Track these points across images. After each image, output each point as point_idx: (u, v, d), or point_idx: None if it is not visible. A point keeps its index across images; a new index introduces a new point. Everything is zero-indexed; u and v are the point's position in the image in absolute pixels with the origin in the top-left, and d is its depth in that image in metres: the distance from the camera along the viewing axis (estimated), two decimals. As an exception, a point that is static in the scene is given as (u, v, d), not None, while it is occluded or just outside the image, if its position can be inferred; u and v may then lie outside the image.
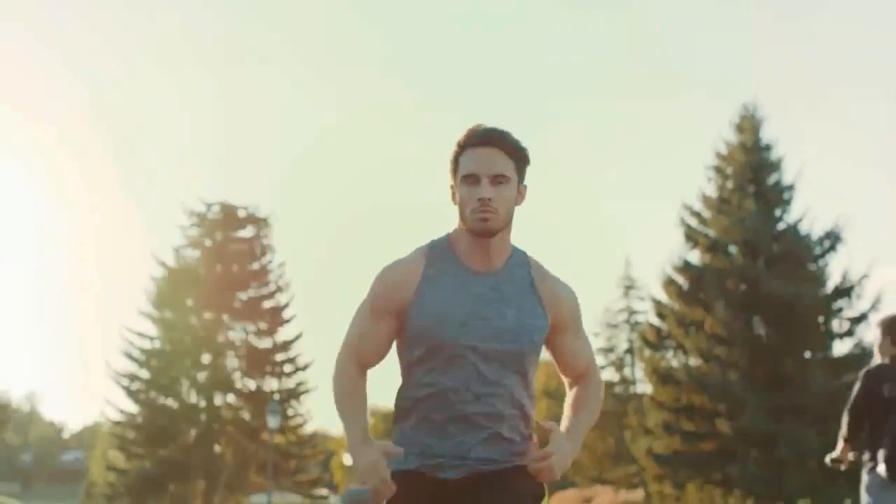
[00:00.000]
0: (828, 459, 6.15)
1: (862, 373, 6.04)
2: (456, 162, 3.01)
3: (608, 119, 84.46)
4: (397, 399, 3.08)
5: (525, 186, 3.06)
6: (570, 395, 3.18)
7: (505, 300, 2.98)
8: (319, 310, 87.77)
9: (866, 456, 5.92)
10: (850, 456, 6.03)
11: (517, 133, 3.01)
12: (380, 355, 3.08)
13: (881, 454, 5.80)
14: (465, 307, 2.96)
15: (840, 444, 6.10)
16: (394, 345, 3.09)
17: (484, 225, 2.93)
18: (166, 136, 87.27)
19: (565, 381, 3.19)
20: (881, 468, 5.79)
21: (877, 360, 6.17)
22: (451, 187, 3.04)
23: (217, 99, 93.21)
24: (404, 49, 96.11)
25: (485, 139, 2.97)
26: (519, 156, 3.00)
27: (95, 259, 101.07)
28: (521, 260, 3.07)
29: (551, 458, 2.90)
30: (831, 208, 59.19)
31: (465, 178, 2.96)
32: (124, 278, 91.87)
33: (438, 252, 3.04)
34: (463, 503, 2.97)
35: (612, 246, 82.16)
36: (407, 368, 3.04)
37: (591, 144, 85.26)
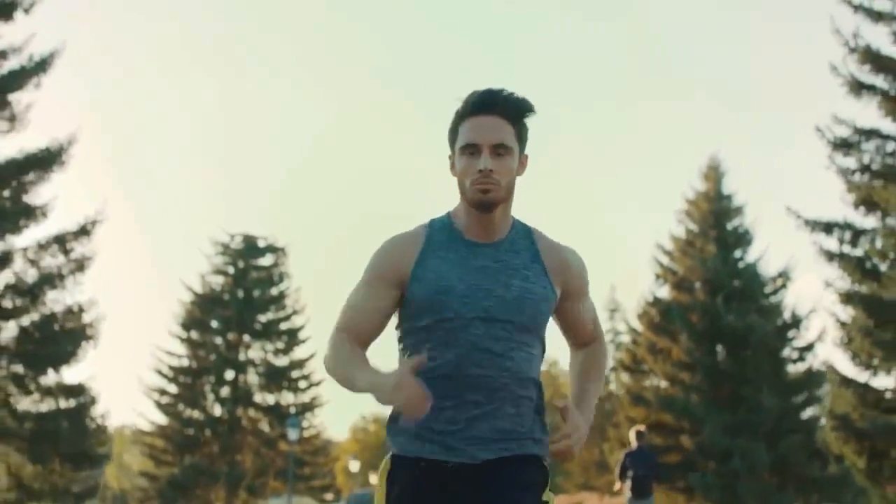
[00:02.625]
0: (614, 488, 13.26)
1: (624, 452, 12.78)
2: (455, 131, 2.99)
3: (608, 123, 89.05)
4: None
5: (526, 156, 3.04)
6: (575, 361, 3.24)
7: (509, 270, 2.97)
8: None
9: (627, 486, 12.56)
10: (623, 489, 12.64)
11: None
12: (375, 328, 3.02)
13: (629, 485, 13.28)
14: (467, 279, 2.94)
15: (617, 483, 12.71)
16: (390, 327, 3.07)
17: (485, 196, 2.92)
18: (166, 139, 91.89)
19: (569, 344, 3.25)
20: (629, 494, 13.29)
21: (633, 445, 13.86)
22: (450, 157, 3.02)
23: (217, 101, 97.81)
24: (404, 54, 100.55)
25: (486, 107, 2.94)
26: (520, 121, 2.98)
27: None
28: (523, 230, 3.06)
29: (571, 438, 2.91)
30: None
31: (464, 149, 2.94)
32: (120, 282, 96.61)
33: (439, 226, 3.04)
34: (468, 488, 2.92)
35: (611, 250, 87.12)
36: (405, 346, 3.03)
37: (591, 149, 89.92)
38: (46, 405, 21.41)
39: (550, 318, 3.09)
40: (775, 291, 34.51)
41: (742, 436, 32.29)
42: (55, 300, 21.14)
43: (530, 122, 3.03)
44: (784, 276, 34.28)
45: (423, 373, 2.87)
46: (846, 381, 20.49)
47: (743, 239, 34.90)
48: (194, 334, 41.47)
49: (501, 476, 2.94)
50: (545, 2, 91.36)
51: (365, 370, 2.86)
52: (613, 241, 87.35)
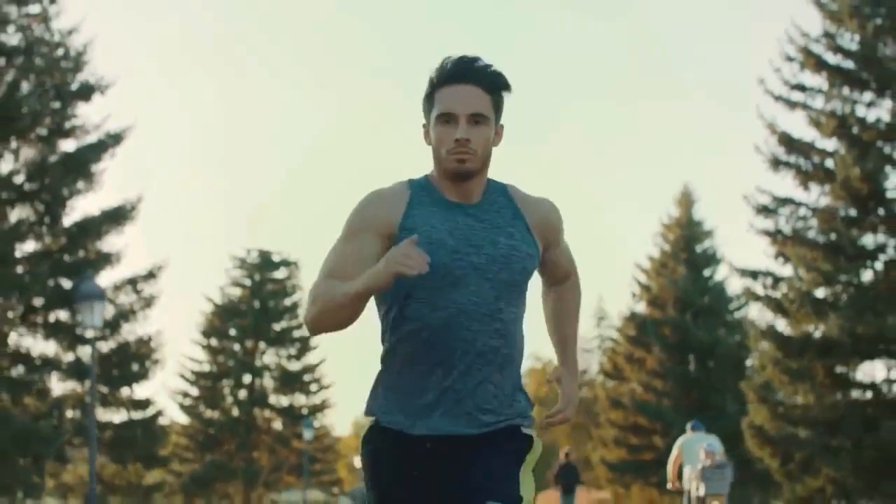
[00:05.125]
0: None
1: (557, 465, 19.20)
2: (430, 100, 3.05)
3: (607, 122, 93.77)
4: (382, 345, 3.11)
5: (502, 126, 3.11)
6: (548, 301, 3.34)
7: (494, 229, 3.04)
8: (341, 338, 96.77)
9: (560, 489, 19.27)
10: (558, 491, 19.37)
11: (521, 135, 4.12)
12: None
13: (561, 487, 20.27)
14: (456, 234, 3.01)
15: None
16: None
17: (461, 167, 2.99)
18: (165, 138, 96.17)
19: (543, 283, 3.31)
20: (560, 493, 20.08)
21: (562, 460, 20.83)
22: (424, 126, 3.09)
23: (217, 101, 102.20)
24: (403, 52, 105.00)
25: (462, 75, 3.02)
26: (496, 90, 3.05)
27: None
28: (498, 188, 3.13)
29: (566, 411, 3.19)
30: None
31: (440, 118, 3.00)
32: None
33: (418, 186, 3.10)
34: (446, 461, 3.02)
35: (611, 248, 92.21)
36: (389, 305, 3.06)
37: (591, 147, 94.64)
38: (122, 416, 27.78)
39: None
40: (739, 308, 40.58)
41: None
42: (129, 331, 27.47)
43: (509, 96, 3.09)
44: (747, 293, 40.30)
45: (407, 337, 3.01)
46: (762, 399, 26.65)
47: (711, 260, 40.98)
48: (214, 342, 47.16)
49: (483, 451, 3.01)
50: (545, 1, 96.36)
51: (352, 280, 2.93)
52: (613, 240, 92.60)
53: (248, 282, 48.19)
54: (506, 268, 3.01)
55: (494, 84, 3.05)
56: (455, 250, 2.99)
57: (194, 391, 46.71)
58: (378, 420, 3.07)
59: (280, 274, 48.63)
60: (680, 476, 16.06)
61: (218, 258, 77.69)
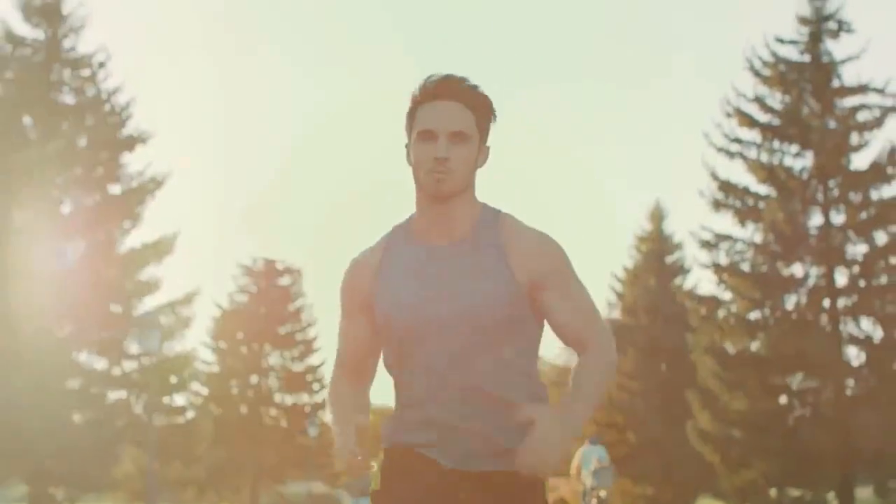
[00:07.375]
0: None
1: None
2: (412, 117, 3.08)
3: (598, 102, 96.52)
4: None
5: (488, 147, 3.10)
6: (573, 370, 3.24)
7: (464, 273, 3.04)
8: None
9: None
10: None
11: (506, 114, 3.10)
12: (364, 357, 3.25)
13: None
14: (419, 291, 3.05)
15: None
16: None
17: (438, 187, 3.01)
18: (168, 121, 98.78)
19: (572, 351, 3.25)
20: None
21: None
22: (406, 146, 3.10)
23: (220, 83, 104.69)
24: (402, 30, 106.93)
25: (443, 91, 3.03)
26: (481, 110, 3.06)
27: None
28: (490, 221, 3.11)
29: (534, 453, 2.87)
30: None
31: (420, 135, 3.03)
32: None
33: (399, 234, 3.16)
34: (453, 493, 3.06)
35: (599, 232, 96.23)
36: (387, 371, 3.22)
37: (581, 127, 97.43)
38: (164, 421, 33.86)
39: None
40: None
41: (675, 432, 44.25)
42: (168, 348, 33.41)
43: (493, 119, 3.09)
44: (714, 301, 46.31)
45: (400, 402, 3.15)
46: (704, 405, 32.76)
47: (680, 271, 47.02)
48: (223, 344, 52.81)
49: (492, 489, 3.04)
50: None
51: (337, 414, 3.15)
52: (590, 252, 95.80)
53: (254, 288, 53.70)
54: (472, 315, 3.02)
55: (478, 101, 3.07)
56: (415, 309, 3.05)
57: (204, 390, 52.02)
58: (397, 442, 3.19)
59: (284, 281, 54.11)
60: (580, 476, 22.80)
61: (225, 267, 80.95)
